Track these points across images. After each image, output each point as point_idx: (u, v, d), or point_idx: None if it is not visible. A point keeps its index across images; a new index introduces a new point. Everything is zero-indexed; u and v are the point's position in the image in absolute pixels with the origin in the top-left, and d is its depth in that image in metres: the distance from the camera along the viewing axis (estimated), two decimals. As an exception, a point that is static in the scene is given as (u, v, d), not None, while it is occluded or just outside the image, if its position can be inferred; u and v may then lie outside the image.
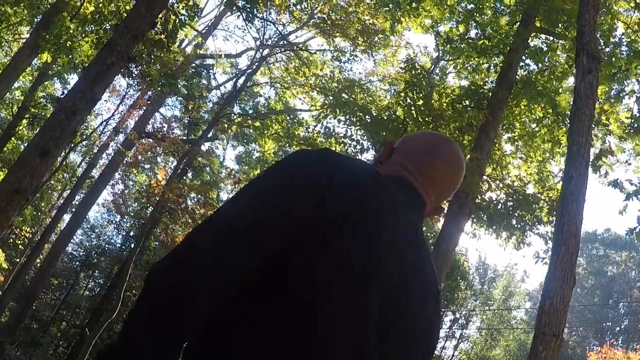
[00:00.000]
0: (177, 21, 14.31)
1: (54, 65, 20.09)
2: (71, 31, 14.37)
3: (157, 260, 1.50)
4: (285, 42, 25.12)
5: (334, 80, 24.12)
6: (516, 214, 15.64)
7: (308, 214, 1.53)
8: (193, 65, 22.98)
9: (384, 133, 15.05)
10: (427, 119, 13.49)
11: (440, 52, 20.00)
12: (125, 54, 11.68)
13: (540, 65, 15.01)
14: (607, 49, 14.11)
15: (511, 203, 15.66)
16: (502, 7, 15.23)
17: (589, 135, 7.05)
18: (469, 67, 17.29)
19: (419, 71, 13.96)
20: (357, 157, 2.05)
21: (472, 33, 15.94)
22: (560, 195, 7.04)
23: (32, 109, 20.15)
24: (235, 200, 1.61)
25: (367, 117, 15.68)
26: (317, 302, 1.48)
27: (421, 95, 13.68)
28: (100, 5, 15.38)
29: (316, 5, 22.74)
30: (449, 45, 17.37)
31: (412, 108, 13.68)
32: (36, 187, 11.55)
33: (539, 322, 6.43)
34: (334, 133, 17.23)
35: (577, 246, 6.66)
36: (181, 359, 1.51)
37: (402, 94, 14.11)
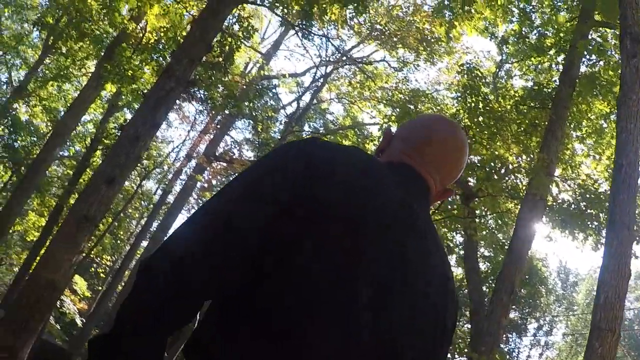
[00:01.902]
0: (233, 43, 14.54)
1: (122, 97, 20.71)
2: (132, 60, 14.76)
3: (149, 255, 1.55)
4: (346, 57, 25.20)
5: (399, 92, 24.00)
6: (590, 214, 15.19)
7: (286, 199, 1.55)
8: (257, 86, 23.25)
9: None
10: (489, 122, 13.29)
11: (504, 55, 19.69)
12: (183, 79, 11.89)
13: (601, 59, 14.56)
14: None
15: (584, 203, 15.23)
16: (559, 4, 14.85)
17: (638, 121, 6.76)
18: (532, 67, 16.93)
19: (474, 74, 13.76)
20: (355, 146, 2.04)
21: (532, 33, 15.60)
22: (612, 186, 6.78)
23: (105, 140, 20.69)
24: (220, 194, 1.65)
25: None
26: (308, 298, 1.50)
27: (480, 98, 13.48)
28: (162, 34, 15.73)
29: (375, 18, 22.73)
30: (509, 47, 17.08)
31: (474, 112, 13.49)
32: (103, 214, 11.90)
33: (594, 317, 6.19)
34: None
35: (630, 237, 6.39)
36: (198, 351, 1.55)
37: (462, 99, 13.95)
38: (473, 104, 13.48)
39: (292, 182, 1.58)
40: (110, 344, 1.44)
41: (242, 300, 1.50)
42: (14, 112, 22.39)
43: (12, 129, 21.19)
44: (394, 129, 2.08)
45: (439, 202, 2.12)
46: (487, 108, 13.44)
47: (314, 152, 1.69)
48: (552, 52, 15.29)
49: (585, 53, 14.13)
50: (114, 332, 1.44)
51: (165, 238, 1.60)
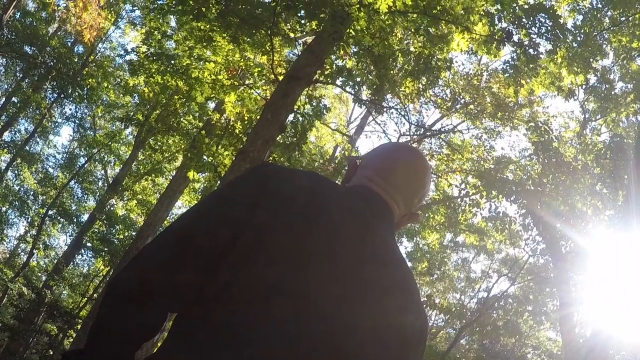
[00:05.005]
0: (305, 122, 14.85)
1: (216, 186, 21.26)
2: (212, 147, 15.24)
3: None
4: (429, 131, 25.13)
5: (485, 160, 23.63)
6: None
7: (244, 215, 1.63)
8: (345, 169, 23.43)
9: (539, 206, 14.69)
10: (562, 177, 13.04)
11: (587, 113, 19.26)
12: (258, 160, 12.09)
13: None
14: None
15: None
16: (634, 54, 14.50)
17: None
18: (612, 120, 16.55)
19: (542, 129, 13.62)
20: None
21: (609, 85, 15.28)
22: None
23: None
24: (185, 213, 1.77)
25: (516, 188, 15.34)
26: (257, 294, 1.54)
27: (551, 153, 13.30)
28: (246, 122, 16.19)
29: (455, 89, 22.62)
30: (591, 104, 16.72)
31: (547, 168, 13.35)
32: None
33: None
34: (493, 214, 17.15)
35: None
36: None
37: (534, 155, 13.84)
38: (546, 160, 13.31)
39: (249, 198, 1.68)
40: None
41: (194, 307, 1.56)
42: (112, 208, 23.31)
43: (108, 223, 22.01)
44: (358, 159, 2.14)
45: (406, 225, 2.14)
46: (559, 162, 13.22)
47: (272, 173, 1.78)
48: (628, 100, 14.94)
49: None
50: (87, 348, 1.52)
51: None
